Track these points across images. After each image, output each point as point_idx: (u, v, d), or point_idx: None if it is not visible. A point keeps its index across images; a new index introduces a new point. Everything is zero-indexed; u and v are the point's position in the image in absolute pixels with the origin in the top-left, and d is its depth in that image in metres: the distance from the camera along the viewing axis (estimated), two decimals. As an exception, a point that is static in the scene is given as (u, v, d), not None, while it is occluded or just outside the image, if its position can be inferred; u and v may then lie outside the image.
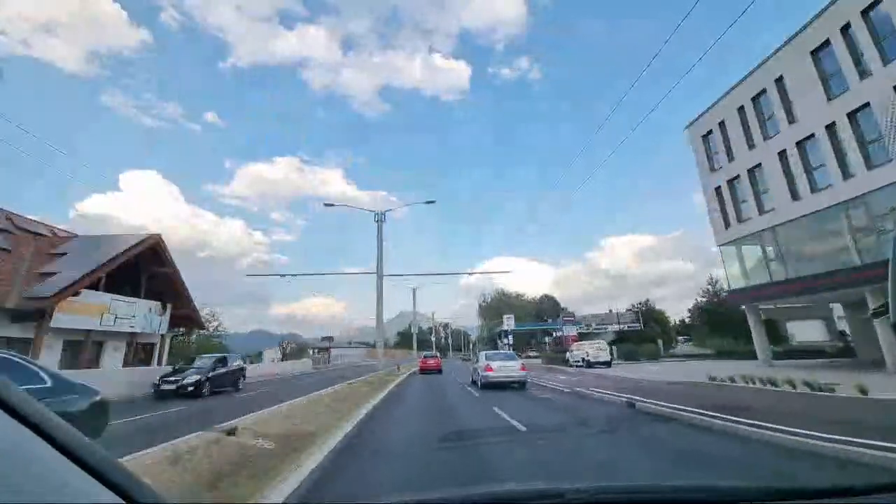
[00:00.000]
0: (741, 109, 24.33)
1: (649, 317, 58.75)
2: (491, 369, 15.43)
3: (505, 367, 15.65)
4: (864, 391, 9.33)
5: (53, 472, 0.74)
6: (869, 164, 17.69)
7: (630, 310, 61.71)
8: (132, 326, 21.60)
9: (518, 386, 15.49)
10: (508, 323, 54.26)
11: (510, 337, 52.17)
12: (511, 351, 37.08)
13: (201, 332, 37.11)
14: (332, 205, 25.88)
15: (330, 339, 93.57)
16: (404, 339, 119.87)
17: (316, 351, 73.93)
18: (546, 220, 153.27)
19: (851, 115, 18.37)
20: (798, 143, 20.88)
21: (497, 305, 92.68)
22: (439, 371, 28.93)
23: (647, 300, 63.95)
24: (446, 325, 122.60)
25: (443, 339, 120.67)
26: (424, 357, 30.92)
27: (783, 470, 4.82)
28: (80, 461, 0.77)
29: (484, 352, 18.79)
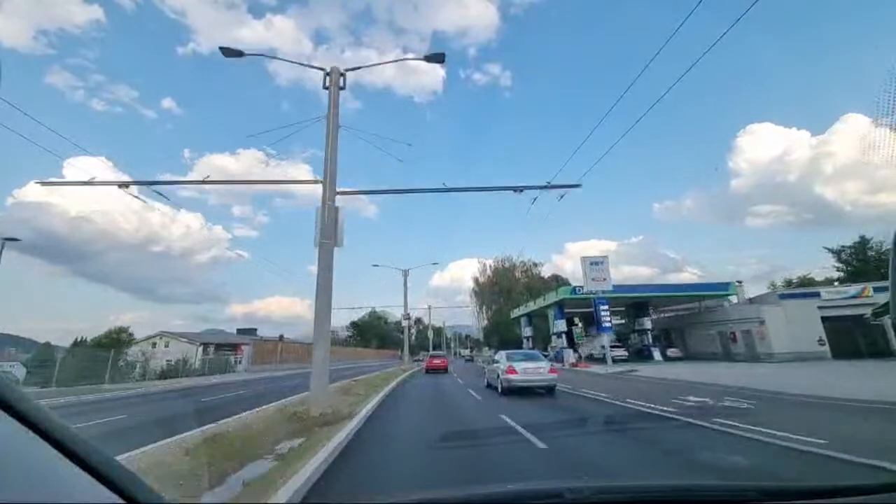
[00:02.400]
0: None
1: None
2: (514, 371, 13.69)
3: (530, 369, 13.89)
4: None
5: (53, 472, 0.75)
6: None
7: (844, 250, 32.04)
8: None
9: (545, 392, 13.83)
10: (598, 277, 25.71)
11: (604, 310, 26.11)
12: (557, 349, 32.01)
13: None
14: (237, 53, 10.76)
15: (253, 330, 62.98)
16: (362, 334, 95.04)
17: (208, 349, 44.74)
18: (516, 224, 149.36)
19: None
20: None
21: (502, 281, 67.05)
22: (445, 370, 29.44)
23: (864, 238, 32.74)
24: (418, 321, 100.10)
25: (413, 336, 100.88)
26: (431, 357, 34.10)
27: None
28: (80, 461, 0.77)
29: (504, 351, 16.61)
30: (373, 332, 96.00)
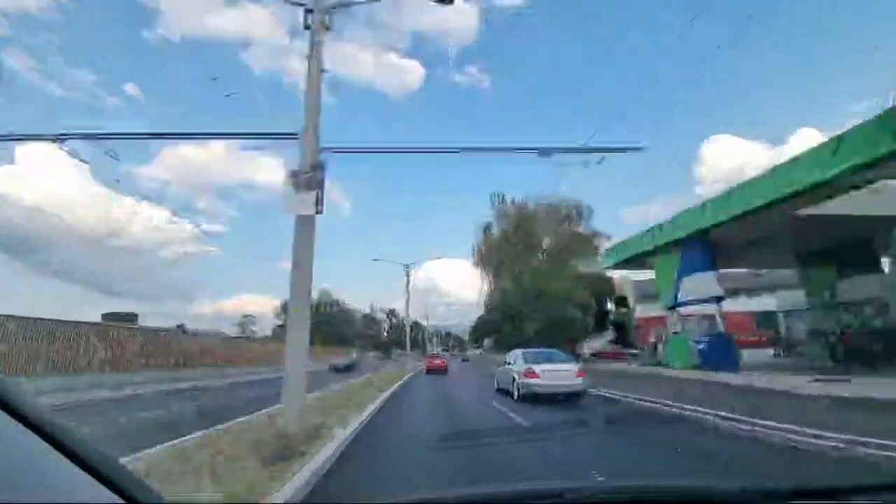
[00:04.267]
0: None
1: None
2: (535, 375, 11.50)
3: (554, 371, 11.65)
4: None
5: (53, 472, 0.75)
6: None
7: None
8: None
9: (564, 398, 11.42)
10: None
11: None
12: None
13: None
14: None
15: (132, 316, 40.10)
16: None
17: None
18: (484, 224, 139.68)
19: None
20: None
21: (530, 233, 41.89)
22: (445, 371, 29.31)
23: None
24: (391, 312, 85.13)
25: (386, 331, 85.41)
26: (431, 357, 34.37)
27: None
28: (80, 461, 0.77)
29: (519, 350, 13.79)
30: (323, 321, 68.39)
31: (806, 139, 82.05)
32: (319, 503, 4.16)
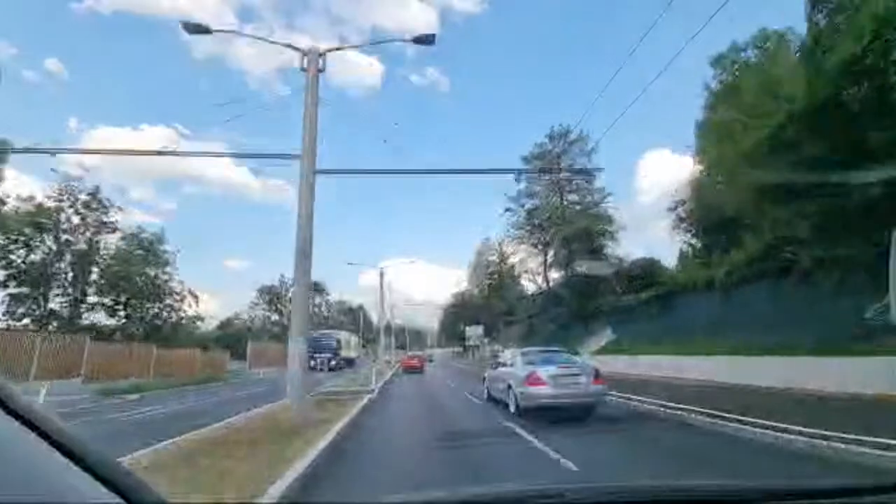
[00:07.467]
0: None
1: None
2: (540, 382, 8.91)
3: (565, 378, 9.08)
4: None
5: (53, 472, 0.75)
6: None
7: None
8: None
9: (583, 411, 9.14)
10: None
11: None
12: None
13: None
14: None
15: None
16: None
17: None
18: (452, 221, 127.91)
19: None
20: None
21: None
22: (421, 370, 29.42)
23: None
24: (317, 287, 70.47)
25: (325, 318, 69.65)
26: (408, 356, 34.60)
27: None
28: (80, 461, 0.77)
29: (518, 350, 11.47)
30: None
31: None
32: (315, 502, 4.16)
